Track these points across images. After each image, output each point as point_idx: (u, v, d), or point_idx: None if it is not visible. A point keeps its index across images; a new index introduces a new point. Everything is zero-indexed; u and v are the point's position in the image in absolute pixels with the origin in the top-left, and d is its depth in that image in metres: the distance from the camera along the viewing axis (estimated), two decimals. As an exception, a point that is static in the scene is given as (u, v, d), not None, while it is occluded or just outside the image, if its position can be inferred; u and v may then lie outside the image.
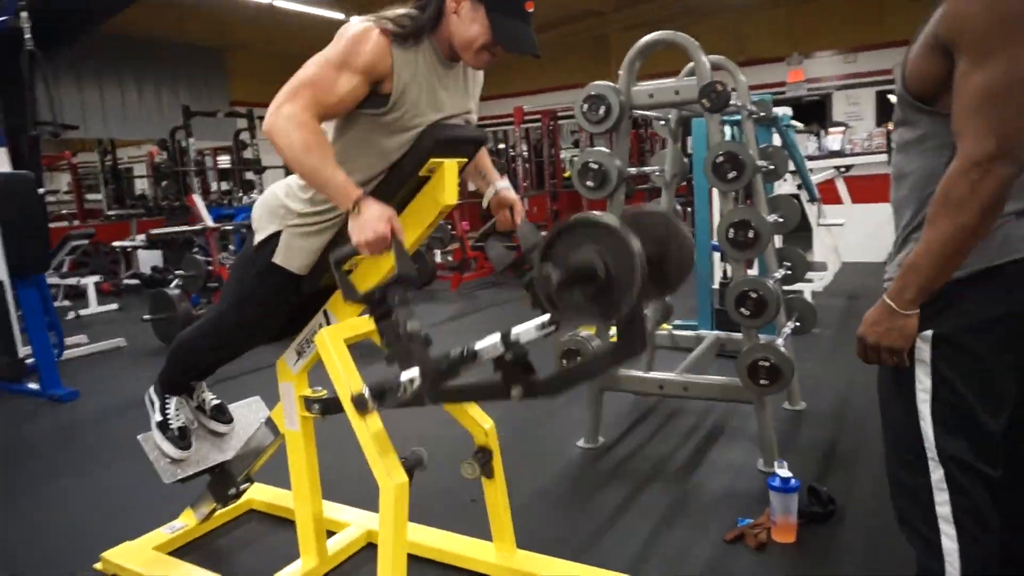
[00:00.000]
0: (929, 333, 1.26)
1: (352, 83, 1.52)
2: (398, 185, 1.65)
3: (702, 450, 2.91)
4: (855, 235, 6.30)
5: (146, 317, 5.15)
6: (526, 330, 1.56)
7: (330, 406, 1.92)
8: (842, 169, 5.97)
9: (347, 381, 1.71)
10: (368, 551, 2.24)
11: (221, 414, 2.27)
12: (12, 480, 3.01)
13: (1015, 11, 1.12)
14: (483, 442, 1.98)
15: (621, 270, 1.28)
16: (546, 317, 1.55)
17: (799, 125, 6.40)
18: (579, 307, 1.33)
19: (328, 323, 1.88)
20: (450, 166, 1.67)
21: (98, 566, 2.19)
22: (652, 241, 1.43)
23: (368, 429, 1.65)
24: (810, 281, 5.65)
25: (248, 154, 10.29)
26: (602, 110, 2.68)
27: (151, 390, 2.16)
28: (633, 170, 2.96)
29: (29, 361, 4.22)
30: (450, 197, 1.68)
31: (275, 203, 1.76)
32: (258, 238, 1.78)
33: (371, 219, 1.48)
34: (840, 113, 11.76)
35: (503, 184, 1.90)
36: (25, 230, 3.98)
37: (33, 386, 4.17)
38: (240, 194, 7.83)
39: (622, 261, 1.27)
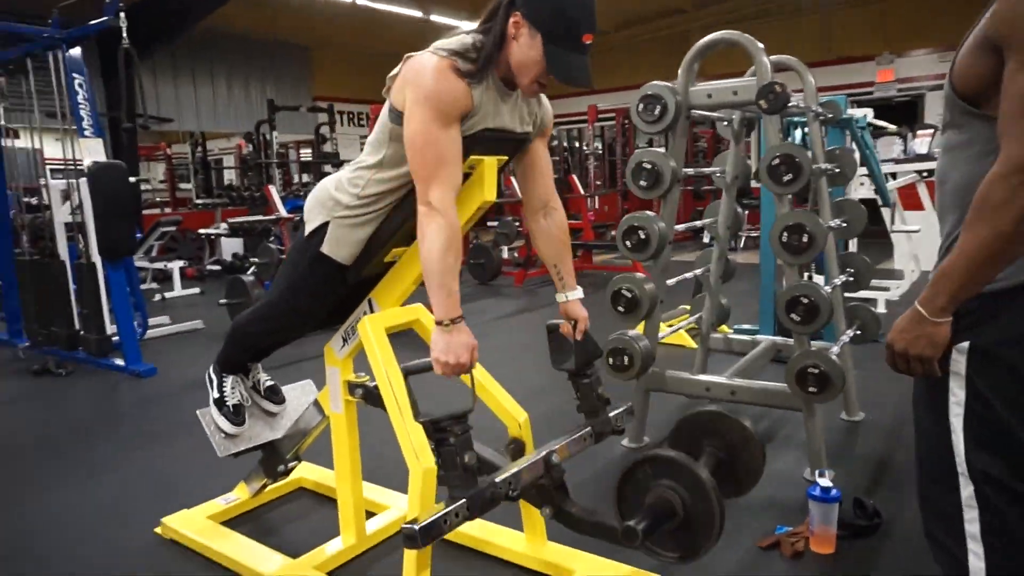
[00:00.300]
0: (965, 344, 1.22)
1: (457, 132, 1.57)
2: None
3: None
4: (937, 242, 5.98)
5: (222, 302, 5.42)
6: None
7: (372, 393, 2.00)
8: (924, 174, 5.68)
9: (385, 369, 1.79)
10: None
11: (274, 395, 2.39)
12: (92, 447, 3.24)
13: None
14: (516, 434, 2.01)
15: (699, 510, 1.51)
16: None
17: (890, 127, 6.12)
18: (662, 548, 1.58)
19: (372, 311, 1.97)
20: (489, 163, 1.71)
21: (158, 530, 2.35)
22: (726, 446, 1.73)
23: (402, 415, 1.72)
24: (885, 289, 5.44)
25: (328, 148, 10.69)
26: (657, 110, 2.67)
27: (211, 369, 2.30)
28: (690, 171, 2.93)
29: (115, 338, 4.53)
30: (489, 193, 1.73)
31: (325, 196, 1.84)
32: (308, 228, 1.87)
33: (459, 344, 1.55)
34: (933, 115, 11.17)
35: (574, 295, 1.93)
36: (116, 216, 4.27)
37: (118, 362, 4.47)
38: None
39: (700, 501, 1.51)
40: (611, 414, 2.00)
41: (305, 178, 12.80)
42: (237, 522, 2.40)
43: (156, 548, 2.29)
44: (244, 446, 2.28)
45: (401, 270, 1.90)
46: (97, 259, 4.44)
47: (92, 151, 4.31)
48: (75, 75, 4.31)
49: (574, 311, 1.92)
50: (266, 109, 10.09)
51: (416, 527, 1.44)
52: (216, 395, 2.27)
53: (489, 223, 8.83)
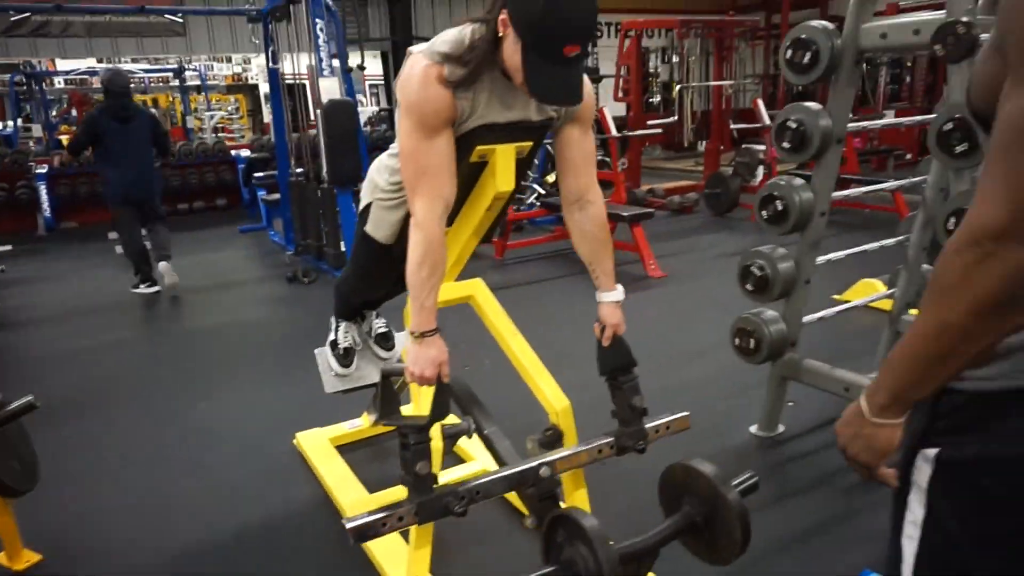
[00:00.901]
0: (933, 453, 0.92)
1: (441, 144, 1.52)
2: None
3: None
4: None
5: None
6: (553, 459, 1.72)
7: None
8: None
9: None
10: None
11: (385, 341, 2.62)
12: (301, 353, 3.85)
13: None
14: (554, 421, 1.97)
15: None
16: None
17: None
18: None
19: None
20: (503, 152, 1.63)
21: (294, 442, 2.78)
22: (704, 508, 1.53)
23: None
24: None
25: (589, 63, 10.60)
26: (807, 57, 2.23)
27: (333, 314, 2.59)
28: (858, 126, 2.42)
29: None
30: (503, 184, 1.66)
31: (370, 176, 1.92)
32: (360, 207, 1.98)
33: (427, 359, 1.57)
34: None
35: (608, 296, 1.77)
36: (344, 148, 4.82)
37: (348, 275, 5.17)
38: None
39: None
40: (651, 424, 1.85)
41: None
42: (353, 447, 2.74)
43: (287, 457, 2.72)
44: (351, 385, 2.56)
45: (449, 243, 1.92)
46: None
47: (328, 90, 4.86)
48: (317, 20, 4.84)
49: (605, 315, 1.78)
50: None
51: (348, 524, 1.52)
52: (332, 337, 2.56)
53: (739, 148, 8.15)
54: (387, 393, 1.64)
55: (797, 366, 2.56)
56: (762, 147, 6.98)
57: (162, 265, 5.26)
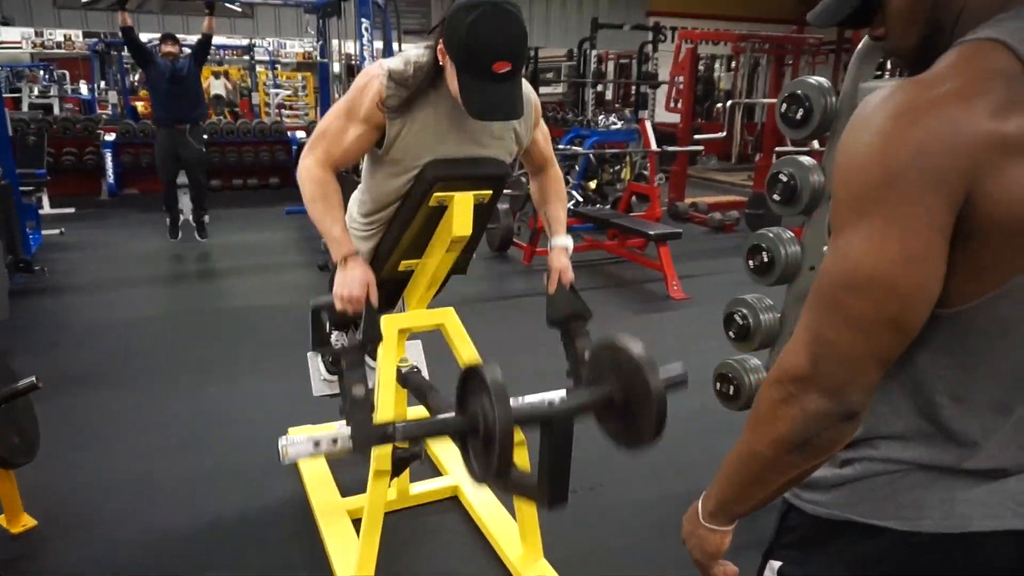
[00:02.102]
0: (777, 565, 0.97)
1: (357, 132, 1.67)
2: (409, 215, 1.76)
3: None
4: None
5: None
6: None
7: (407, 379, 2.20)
8: None
9: (382, 365, 1.97)
10: (449, 503, 2.53)
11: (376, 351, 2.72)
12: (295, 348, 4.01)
13: (880, 179, 0.71)
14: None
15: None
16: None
17: None
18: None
19: (403, 308, 2.14)
20: (461, 200, 1.70)
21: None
22: (625, 385, 1.42)
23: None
24: None
25: (649, 67, 10.49)
26: (800, 113, 2.22)
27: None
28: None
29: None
30: (460, 229, 1.73)
31: (348, 207, 2.02)
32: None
33: (352, 280, 1.68)
34: None
35: (558, 242, 1.91)
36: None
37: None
38: (602, 117, 8.09)
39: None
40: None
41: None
42: (338, 447, 2.86)
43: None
44: (338, 391, 2.68)
45: (417, 277, 2.02)
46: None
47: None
48: (363, 19, 4.97)
49: (553, 259, 1.91)
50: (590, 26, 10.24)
51: (282, 442, 1.56)
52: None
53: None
54: (318, 325, 1.74)
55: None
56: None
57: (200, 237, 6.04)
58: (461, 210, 1.71)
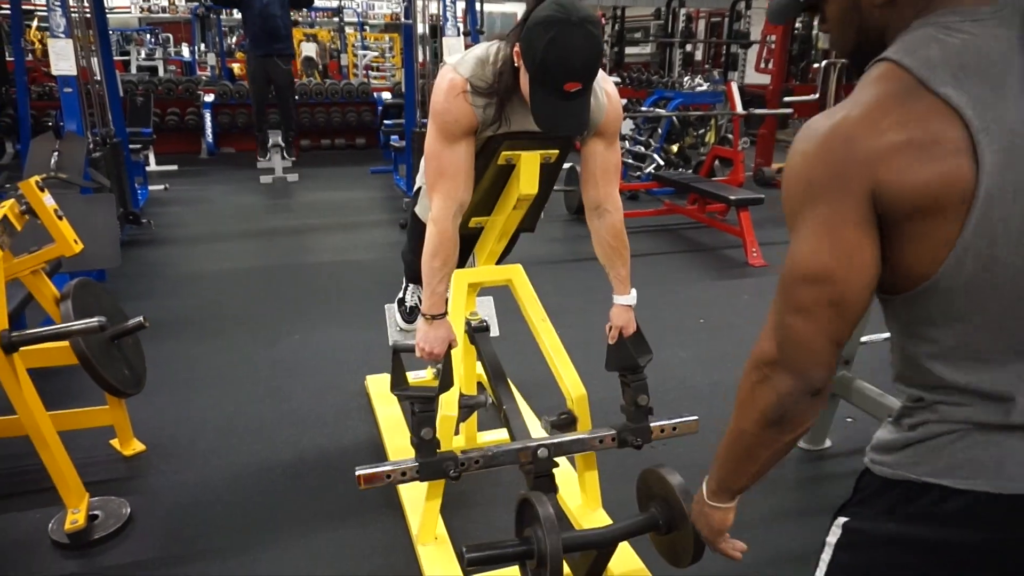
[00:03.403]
0: (843, 520, 1.00)
1: (460, 150, 1.69)
2: (478, 174, 1.82)
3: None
4: None
5: (557, 188, 6.01)
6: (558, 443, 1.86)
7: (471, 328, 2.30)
8: None
9: (456, 315, 2.07)
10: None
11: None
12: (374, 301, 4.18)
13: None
14: (570, 407, 2.12)
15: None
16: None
17: None
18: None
19: (474, 263, 2.23)
20: (527, 158, 1.76)
21: (364, 383, 3.10)
22: (667, 510, 1.61)
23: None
24: None
25: (740, 26, 10.09)
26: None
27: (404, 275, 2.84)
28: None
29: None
30: (526, 187, 1.79)
31: (422, 162, 2.10)
32: (415, 188, 2.17)
33: (436, 338, 1.80)
34: None
35: (620, 300, 1.92)
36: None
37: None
38: (687, 78, 7.86)
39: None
40: (656, 424, 1.96)
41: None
42: (412, 395, 3.01)
43: (358, 397, 3.05)
44: (412, 340, 2.81)
45: (486, 233, 2.10)
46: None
47: (451, 48, 5.05)
48: (447, -20, 5.01)
49: (614, 315, 1.91)
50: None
51: (358, 471, 1.76)
52: (400, 296, 2.82)
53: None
54: (398, 366, 1.86)
55: (848, 385, 2.53)
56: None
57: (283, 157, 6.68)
58: (528, 169, 1.76)
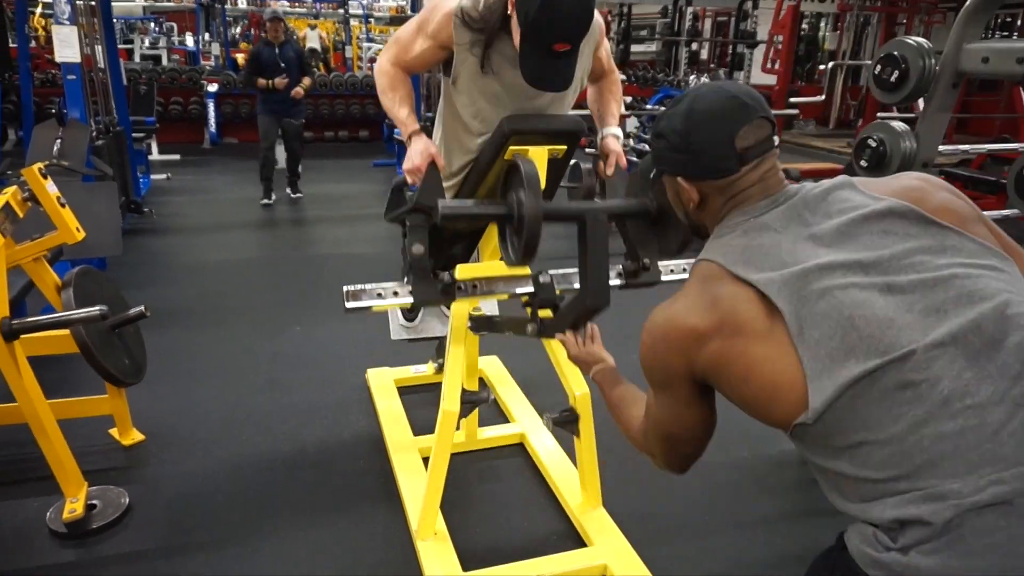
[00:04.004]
0: None
1: (425, 45, 1.77)
2: (484, 169, 1.81)
3: None
4: None
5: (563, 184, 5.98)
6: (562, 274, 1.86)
7: (480, 323, 2.29)
8: None
9: (459, 318, 2.06)
10: (515, 449, 2.63)
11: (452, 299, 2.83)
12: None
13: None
14: (572, 404, 2.11)
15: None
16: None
17: None
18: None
19: (478, 258, 2.22)
20: (535, 154, 1.74)
21: (365, 376, 3.09)
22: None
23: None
24: None
25: (747, 26, 10.06)
26: (895, 75, 2.13)
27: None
28: (958, 148, 2.27)
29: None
30: (534, 183, 1.77)
31: None
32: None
33: (415, 152, 1.81)
34: None
35: (608, 131, 1.97)
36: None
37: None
38: (693, 77, 7.83)
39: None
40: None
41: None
42: (413, 389, 3.01)
43: (358, 390, 3.04)
44: (414, 336, 2.81)
45: (491, 230, 2.08)
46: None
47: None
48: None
49: (606, 144, 1.96)
50: (687, -19, 9.88)
51: (346, 288, 1.83)
52: (402, 289, 2.81)
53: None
54: (395, 198, 1.90)
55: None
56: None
57: (293, 195, 6.40)
58: (536, 164, 1.74)
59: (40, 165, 2.16)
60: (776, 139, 1.07)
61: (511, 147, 1.74)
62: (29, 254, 2.20)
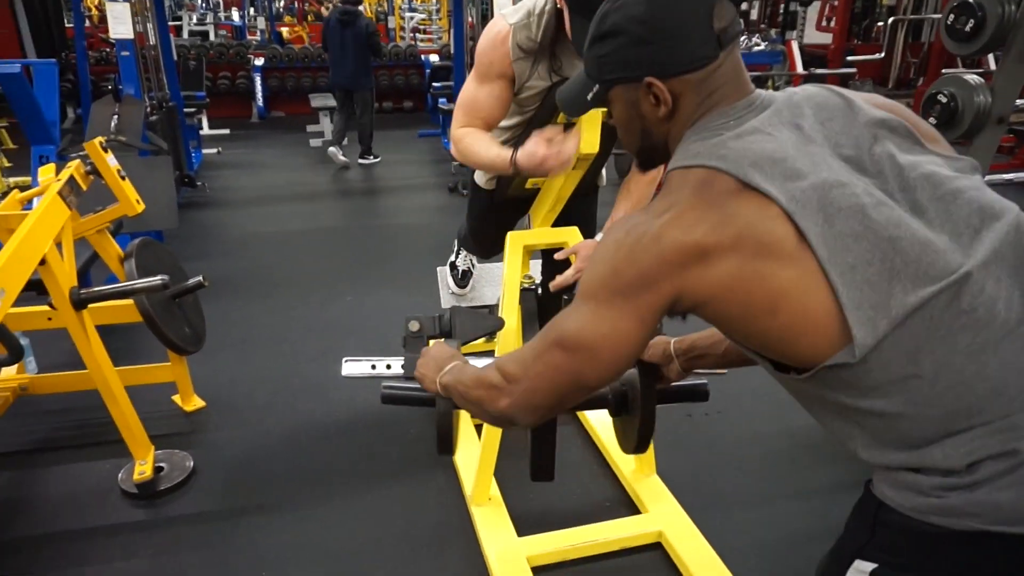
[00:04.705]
0: (868, 568, 0.89)
1: (491, 90, 1.77)
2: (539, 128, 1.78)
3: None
4: None
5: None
6: None
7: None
8: None
9: (511, 277, 2.05)
10: (566, 416, 2.63)
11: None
12: (424, 265, 4.19)
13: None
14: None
15: None
16: None
17: None
18: None
19: (529, 226, 2.19)
20: (589, 116, 1.69)
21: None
22: None
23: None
24: None
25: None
26: (971, 24, 2.01)
27: (457, 240, 2.83)
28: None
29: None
30: (587, 146, 1.73)
31: None
32: None
33: (529, 150, 1.72)
34: None
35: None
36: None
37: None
38: (744, 37, 7.54)
39: None
40: None
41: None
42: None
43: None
44: (465, 304, 2.81)
45: (542, 195, 2.06)
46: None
47: (501, 4, 4.96)
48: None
49: (582, 244, 1.90)
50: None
51: (345, 360, 1.83)
52: (452, 259, 2.81)
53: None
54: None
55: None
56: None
57: (360, 160, 6.82)
58: (589, 127, 1.70)
59: (100, 139, 2.21)
60: (741, 22, 0.96)
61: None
62: (93, 226, 2.27)
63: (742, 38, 7.63)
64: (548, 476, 1.58)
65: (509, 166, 1.71)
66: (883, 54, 7.23)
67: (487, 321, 1.83)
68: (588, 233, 2.22)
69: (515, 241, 2.08)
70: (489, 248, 2.48)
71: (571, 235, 2.14)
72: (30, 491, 2.25)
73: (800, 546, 2.01)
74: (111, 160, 2.22)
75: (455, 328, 1.77)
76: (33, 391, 2.50)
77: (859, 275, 0.78)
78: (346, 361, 1.81)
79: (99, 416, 2.27)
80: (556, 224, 2.13)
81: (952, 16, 2.04)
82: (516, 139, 1.89)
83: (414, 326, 1.75)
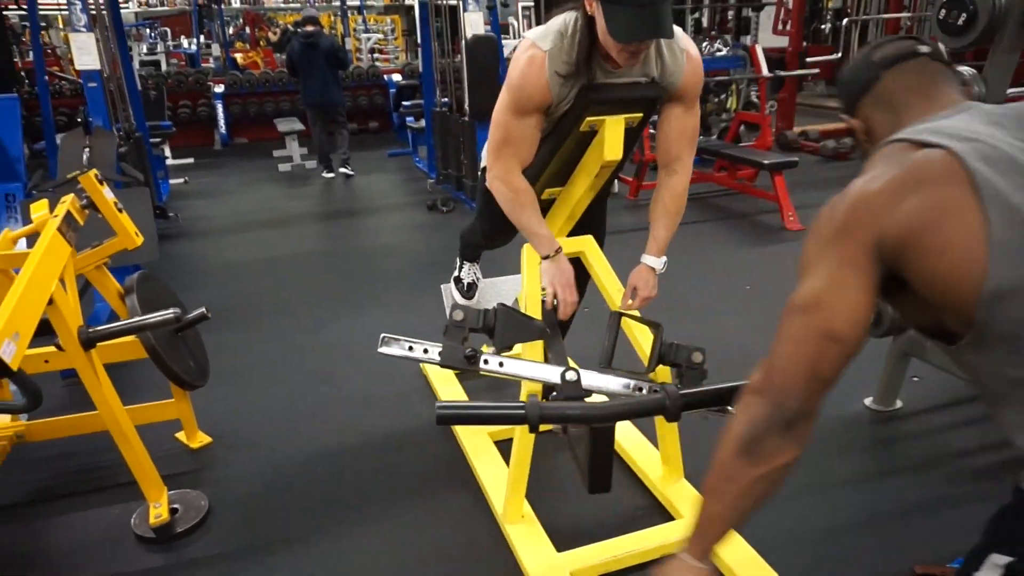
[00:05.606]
0: (1004, 561, 0.91)
1: (530, 122, 1.71)
2: (558, 141, 1.77)
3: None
4: None
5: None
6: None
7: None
8: None
9: (527, 289, 2.02)
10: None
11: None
12: (436, 276, 4.14)
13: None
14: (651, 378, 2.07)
15: None
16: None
17: None
18: None
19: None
20: (612, 123, 1.70)
21: (420, 365, 3.06)
22: None
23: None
24: None
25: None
26: (963, 17, 2.07)
27: (458, 255, 2.79)
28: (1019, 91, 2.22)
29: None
30: (611, 153, 1.73)
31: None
32: (482, 164, 2.12)
33: (560, 272, 1.83)
34: None
35: (647, 260, 1.91)
36: (485, 82, 4.95)
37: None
38: (706, 43, 7.70)
39: None
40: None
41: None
42: (472, 375, 2.97)
43: (414, 379, 3.01)
44: (471, 317, 2.78)
45: (559, 206, 2.05)
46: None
47: (473, 24, 4.97)
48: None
49: (635, 275, 1.89)
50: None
51: (383, 336, 1.78)
52: (456, 274, 2.78)
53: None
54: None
55: (921, 343, 2.48)
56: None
57: (341, 169, 6.99)
58: (612, 134, 1.71)
59: (95, 172, 2.14)
60: (923, 48, 1.07)
61: (588, 118, 1.70)
62: (92, 262, 2.18)
63: (703, 44, 7.79)
64: (606, 487, 1.56)
65: (549, 253, 1.82)
66: (840, 54, 7.43)
67: (529, 330, 1.80)
68: (600, 240, 2.21)
69: (532, 254, 2.06)
70: (502, 241, 2.47)
71: (586, 244, 2.14)
72: (35, 544, 2.14)
73: (833, 537, 2.03)
74: (107, 192, 2.14)
75: (496, 331, 1.74)
76: (30, 438, 2.39)
77: (1017, 216, 0.85)
78: (384, 338, 1.77)
79: (100, 459, 2.18)
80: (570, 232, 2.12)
81: (944, 11, 2.10)
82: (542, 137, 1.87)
83: (458, 315, 1.72)
